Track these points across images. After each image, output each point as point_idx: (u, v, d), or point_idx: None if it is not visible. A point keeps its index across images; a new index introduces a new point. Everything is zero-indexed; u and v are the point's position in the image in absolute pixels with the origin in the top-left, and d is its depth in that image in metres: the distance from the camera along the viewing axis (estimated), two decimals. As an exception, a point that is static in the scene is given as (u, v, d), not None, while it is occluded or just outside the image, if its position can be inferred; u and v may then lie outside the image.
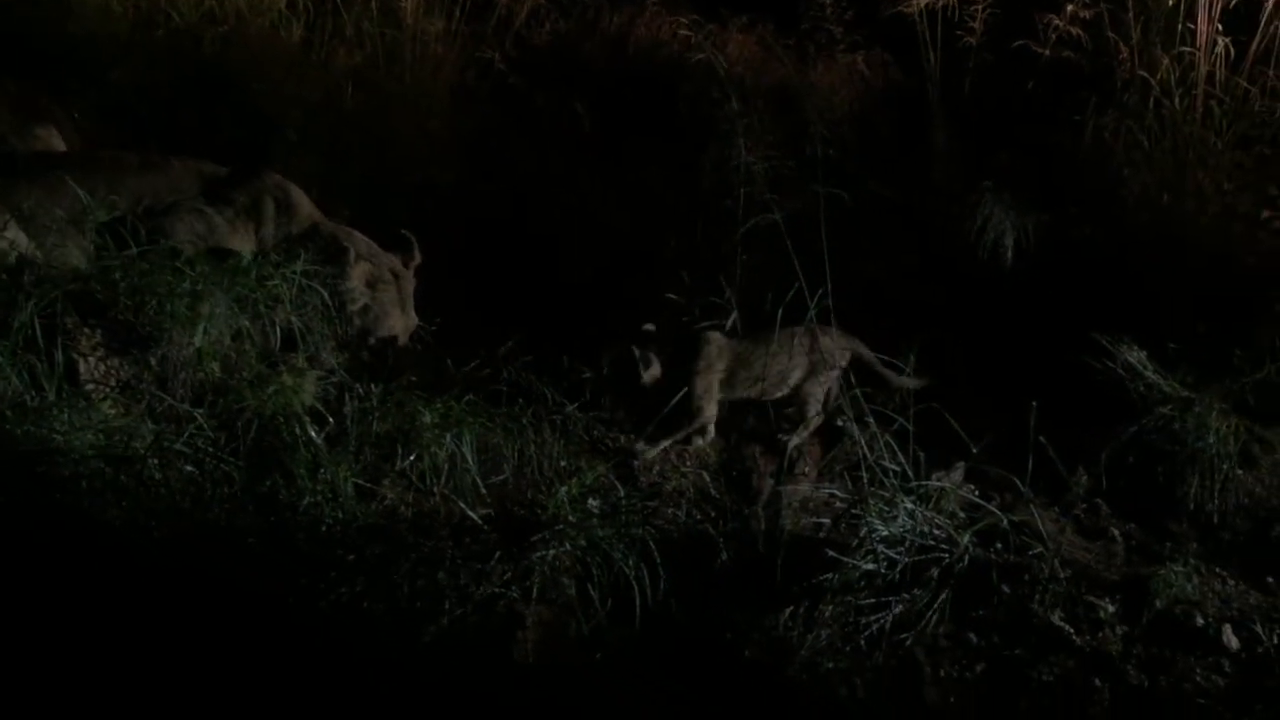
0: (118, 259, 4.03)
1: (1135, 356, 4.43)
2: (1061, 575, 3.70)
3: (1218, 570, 3.99)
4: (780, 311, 4.30)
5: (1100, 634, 3.59)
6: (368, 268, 4.76)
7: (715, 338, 4.61)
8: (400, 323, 4.80)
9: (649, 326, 4.67)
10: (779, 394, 4.65)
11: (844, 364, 4.65)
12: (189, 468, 3.57)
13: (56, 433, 3.47)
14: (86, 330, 3.88)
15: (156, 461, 3.50)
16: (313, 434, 3.67)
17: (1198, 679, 3.45)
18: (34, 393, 3.60)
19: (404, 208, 5.44)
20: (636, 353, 4.50)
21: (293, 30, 6.08)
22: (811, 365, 4.61)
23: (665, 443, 4.43)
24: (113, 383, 3.83)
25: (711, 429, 4.55)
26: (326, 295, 4.34)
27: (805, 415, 4.61)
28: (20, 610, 2.98)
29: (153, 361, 3.89)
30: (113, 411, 3.73)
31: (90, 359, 3.83)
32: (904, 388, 4.50)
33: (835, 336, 4.61)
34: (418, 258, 4.95)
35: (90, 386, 3.77)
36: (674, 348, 4.59)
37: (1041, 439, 3.71)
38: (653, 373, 4.51)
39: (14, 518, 3.20)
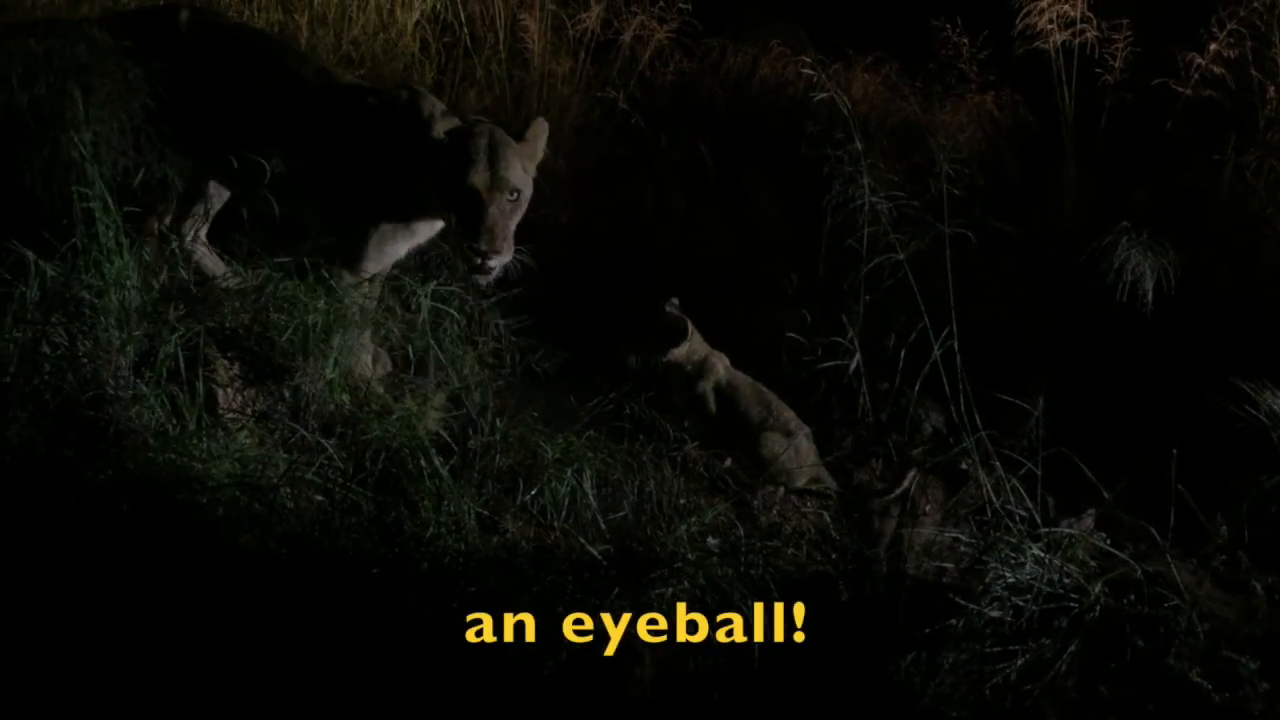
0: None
1: (1278, 403, 4.25)
2: (1199, 629, 3.57)
3: (1367, 629, 3.80)
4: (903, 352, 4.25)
5: (1240, 692, 3.45)
6: None
7: None
8: None
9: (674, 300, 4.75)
10: None
11: None
12: (319, 497, 3.66)
13: (196, 461, 3.59)
14: (225, 362, 4.02)
15: (289, 490, 3.59)
16: (438, 466, 3.74)
17: (1346, 743, 3.29)
18: (175, 422, 3.73)
19: (526, 244, 5.53)
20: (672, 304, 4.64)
21: (425, 73, 6.25)
22: None
23: None
24: (249, 413, 3.96)
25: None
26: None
27: None
28: (160, 629, 3.10)
29: (286, 393, 4.02)
30: (248, 441, 3.85)
31: (228, 390, 3.97)
32: None
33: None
34: None
35: (229, 416, 3.90)
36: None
37: (1180, 487, 3.59)
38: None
39: (155, 543, 3.32)
